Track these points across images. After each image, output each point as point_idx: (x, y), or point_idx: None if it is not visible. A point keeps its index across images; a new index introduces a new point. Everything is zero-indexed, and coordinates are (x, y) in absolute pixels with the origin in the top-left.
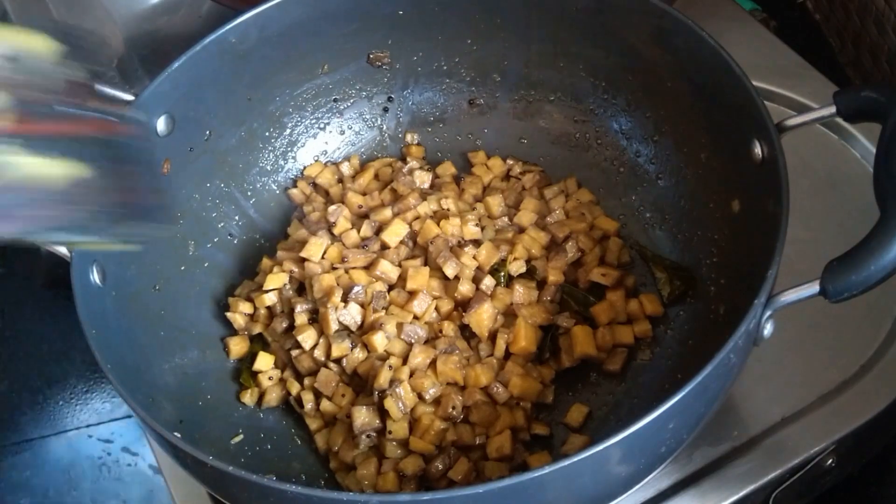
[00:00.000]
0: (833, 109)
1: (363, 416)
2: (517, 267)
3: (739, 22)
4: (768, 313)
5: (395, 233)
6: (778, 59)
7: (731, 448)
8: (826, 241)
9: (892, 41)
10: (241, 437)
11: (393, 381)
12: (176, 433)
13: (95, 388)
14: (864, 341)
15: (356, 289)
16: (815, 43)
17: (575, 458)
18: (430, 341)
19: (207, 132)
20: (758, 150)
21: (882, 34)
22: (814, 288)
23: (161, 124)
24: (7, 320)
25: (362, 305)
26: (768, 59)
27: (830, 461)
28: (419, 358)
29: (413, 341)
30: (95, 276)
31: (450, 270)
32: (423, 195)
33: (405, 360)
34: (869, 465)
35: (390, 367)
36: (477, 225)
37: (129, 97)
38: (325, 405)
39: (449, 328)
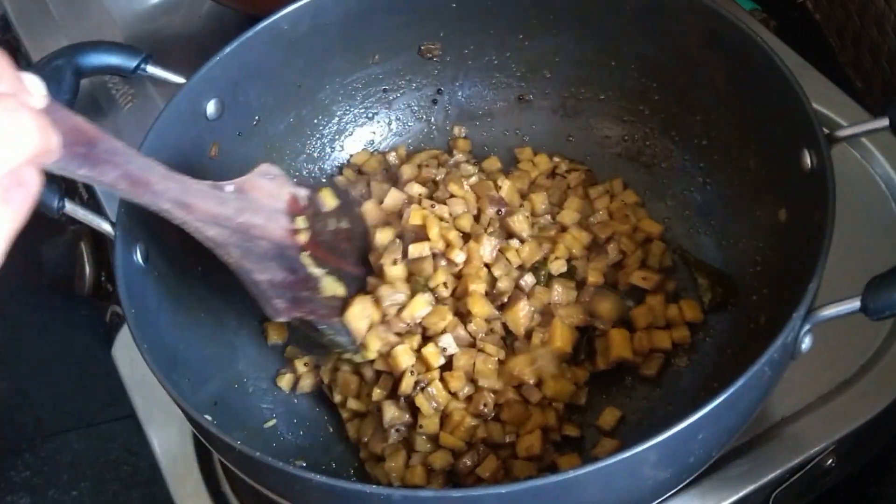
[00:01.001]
0: (886, 122)
1: (392, 412)
2: (558, 266)
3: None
4: (807, 327)
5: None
6: None
7: (731, 448)
8: (849, 260)
9: (892, 41)
10: (275, 421)
11: (417, 384)
12: (207, 416)
13: (95, 388)
14: (864, 341)
15: None
16: (815, 43)
17: (604, 463)
18: (473, 344)
19: (256, 118)
20: (807, 159)
21: (882, 34)
22: (855, 304)
23: (211, 108)
24: (7, 320)
25: None
26: None
27: (830, 461)
28: (461, 361)
29: (461, 346)
30: (139, 256)
31: (498, 271)
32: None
33: (449, 364)
34: (869, 465)
35: (412, 372)
36: (527, 219)
37: (180, 80)
38: (352, 403)
39: (497, 326)
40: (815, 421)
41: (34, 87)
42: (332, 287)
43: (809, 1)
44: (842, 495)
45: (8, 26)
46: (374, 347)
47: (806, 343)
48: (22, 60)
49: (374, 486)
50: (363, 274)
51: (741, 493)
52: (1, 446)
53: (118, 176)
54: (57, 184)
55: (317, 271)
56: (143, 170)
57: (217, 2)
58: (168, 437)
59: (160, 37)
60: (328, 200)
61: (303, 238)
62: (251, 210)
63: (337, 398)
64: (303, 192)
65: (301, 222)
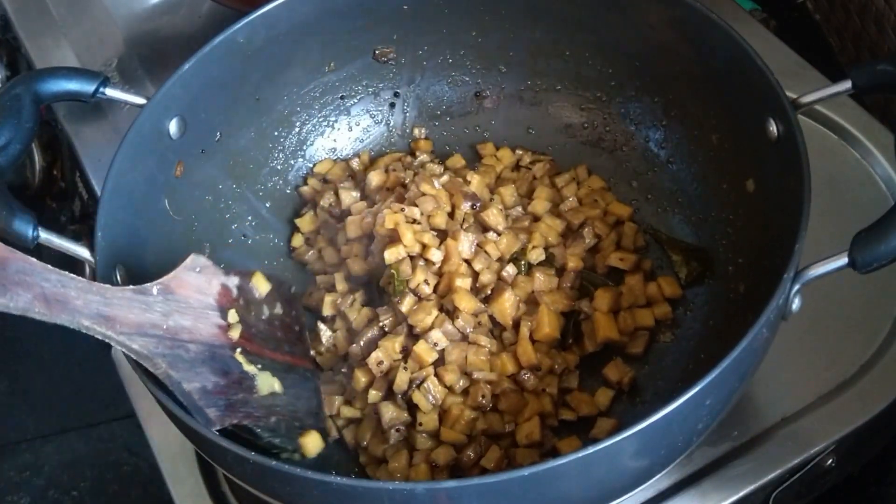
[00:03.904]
0: (848, 84)
1: (391, 411)
2: (537, 255)
3: (739, 22)
4: (796, 287)
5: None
6: (778, 59)
7: (731, 448)
8: (826, 241)
9: (892, 41)
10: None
11: (412, 382)
12: (216, 431)
13: (95, 388)
14: (864, 341)
15: None
16: (815, 43)
17: (618, 437)
18: (463, 338)
19: (218, 134)
20: (773, 128)
21: (882, 34)
22: (842, 260)
23: (173, 127)
24: (7, 320)
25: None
26: (768, 59)
27: (830, 461)
28: (453, 355)
29: (451, 340)
30: (118, 278)
31: (479, 265)
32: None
33: (441, 359)
34: (869, 465)
35: (405, 368)
36: (501, 212)
37: (141, 100)
38: (346, 411)
39: (485, 318)
40: (815, 421)
41: None
42: (268, 384)
43: (809, 1)
44: (842, 495)
45: (8, 26)
46: (314, 449)
47: (796, 303)
48: (22, 60)
49: (398, 483)
50: (301, 362)
51: (741, 493)
52: (1, 446)
53: (31, 298)
54: (30, 214)
55: (251, 369)
56: (60, 286)
57: (217, 2)
58: (168, 437)
59: (160, 37)
60: (260, 286)
61: (235, 334)
62: (179, 312)
63: (327, 411)
64: (233, 281)
65: (232, 316)
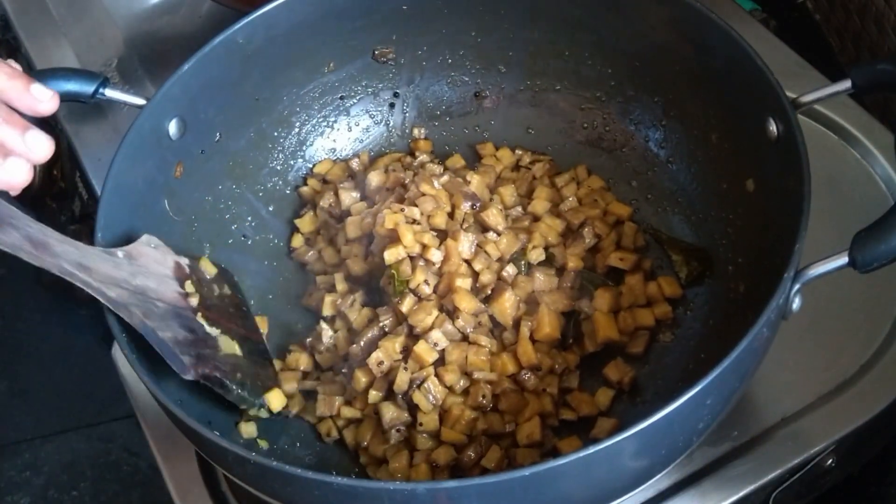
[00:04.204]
0: (848, 84)
1: (392, 412)
2: (537, 255)
3: (739, 22)
4: (797, 287)
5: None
6: (778, 59)
7: (731, 448)
8: (826, 241)
9: (892, 41)
10: (266, 440)
11: (413, 381)
12: (216, 431)
13: (95, 388)
14: (864, 341)
15: None
16: (815, 43)
17: (619, 437)
18: (464, 338)
19: (217, 134)
20: (773, 128)
21: (882, 34)
22: (842, 259)
23: (172, 128)
24: (7, 320)
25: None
26: (768, 59)
27: (830, 461)
28: (453, 355)
29: (451, 340)
30: None
31: (479, 265)
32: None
33: (442, 360)
34: (869, 465)
35: (405, 368)
36: (501, 212)
37: (140, 101)
38: (346, 411)
39: (485, 318)
40: (815, 421)
41: None
42: (228, 346)
43: (809, 1)
44: (842, 495)
45: (8, 26)
46: (278, 404)
47: (796, 303)
48: (22, 60)
49: (399, 483)
50: (255, 335)
51: (741, 493)
52: (1, 446)
53: (21, 237)
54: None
55: (213, 331)
56: (41, 234)
57: (217, 2)
58: (168, 437)
59: (160, 37)
60: (208, 268)
61: (194, 301)
62: (143, 274)
63: (327, 412)
64: (184, 260)
65: (190, 287)
